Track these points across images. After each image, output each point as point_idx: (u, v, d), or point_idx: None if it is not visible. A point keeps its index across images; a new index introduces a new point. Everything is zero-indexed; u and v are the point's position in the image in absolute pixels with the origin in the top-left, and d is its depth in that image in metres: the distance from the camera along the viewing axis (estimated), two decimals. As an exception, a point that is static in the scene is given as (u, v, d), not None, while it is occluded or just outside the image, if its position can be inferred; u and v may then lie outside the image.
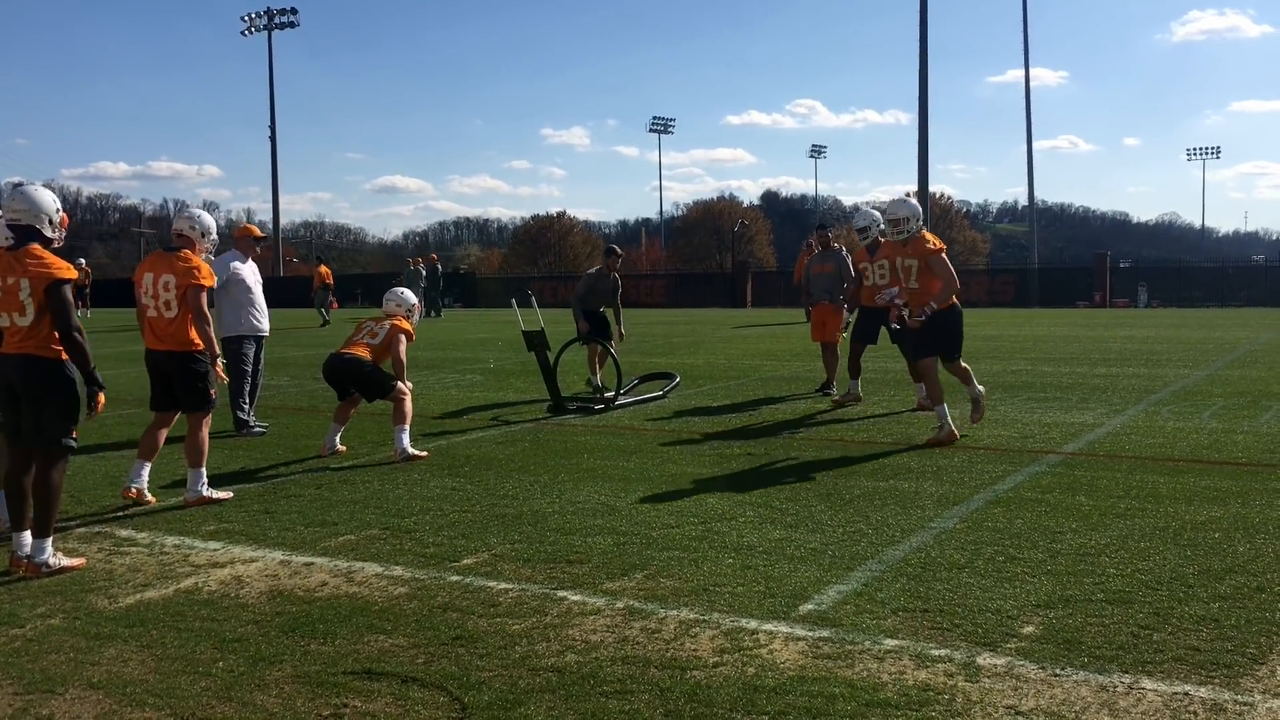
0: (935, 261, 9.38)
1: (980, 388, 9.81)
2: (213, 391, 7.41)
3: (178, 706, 3.93)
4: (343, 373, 8.94)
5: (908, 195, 12.46)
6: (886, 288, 9.95)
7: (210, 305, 7.87)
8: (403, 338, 9.12)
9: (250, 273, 10.54)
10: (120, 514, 7.06)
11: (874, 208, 12.48)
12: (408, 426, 8.79)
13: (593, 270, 13.74)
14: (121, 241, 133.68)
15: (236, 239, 10.81)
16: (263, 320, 10.60)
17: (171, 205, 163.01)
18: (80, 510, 7.19)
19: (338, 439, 9.13)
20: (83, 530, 6.65)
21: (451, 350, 21.01)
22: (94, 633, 4.74)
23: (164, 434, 7.51)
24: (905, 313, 9.31)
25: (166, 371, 7.34)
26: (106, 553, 6.10)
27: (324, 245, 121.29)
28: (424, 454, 8.79)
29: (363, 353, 8.91)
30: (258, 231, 10.86)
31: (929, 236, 9.54)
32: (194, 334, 7.28)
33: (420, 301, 35.38)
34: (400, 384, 8.92)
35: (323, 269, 34.85)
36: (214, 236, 7.75)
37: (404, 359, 9.13)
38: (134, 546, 6.22)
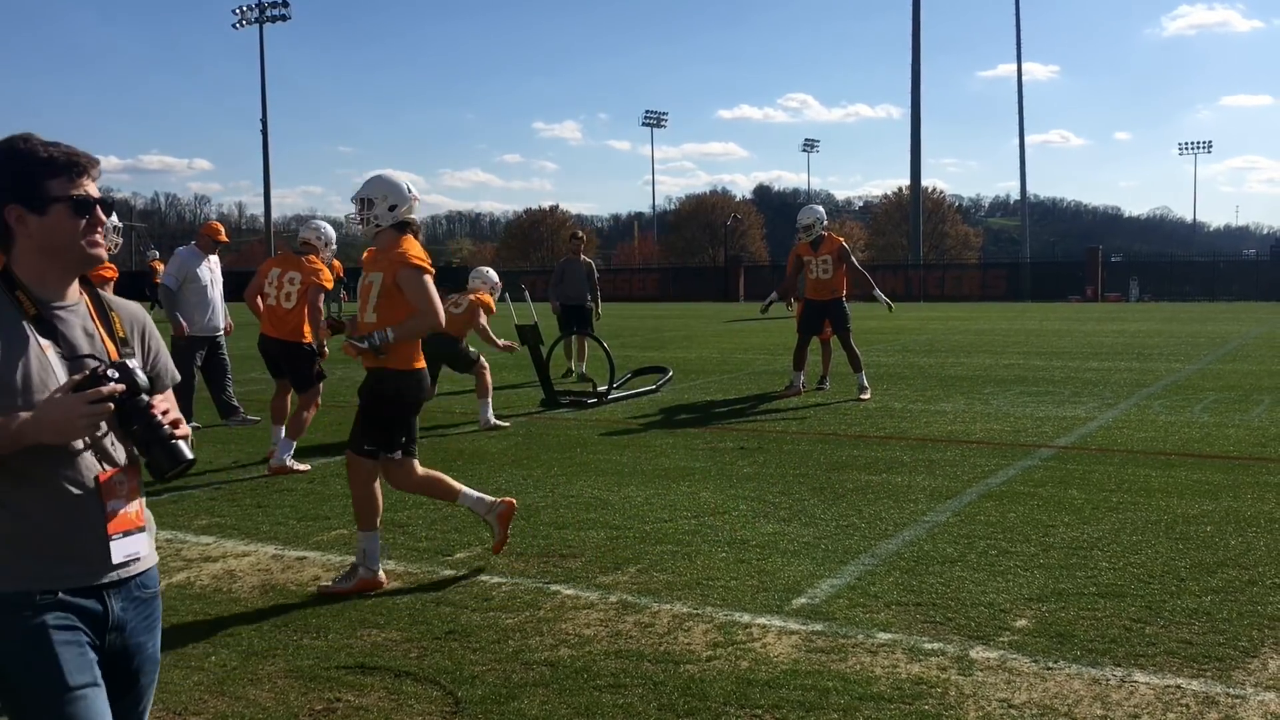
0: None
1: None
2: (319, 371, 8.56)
3: (170, 701, 3.92)
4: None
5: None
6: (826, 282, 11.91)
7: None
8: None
9: (207, 272, 10.34)
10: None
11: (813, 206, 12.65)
12: (489, 398, 10.08)
13: (562, 260, 14.47)
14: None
15: (200, 236, 10.66)
16: (217, 319, 10.40)
17: (163, 199, 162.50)
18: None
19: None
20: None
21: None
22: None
23: (288, 398, 8.72)
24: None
25: (275, 356, 8.52)
26: (98, 547, 6.07)
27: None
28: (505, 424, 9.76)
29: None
30: (223, 235, 10.73)
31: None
32: (306, 328, 8.40)
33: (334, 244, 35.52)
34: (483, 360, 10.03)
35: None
36: (334, 246, 8.95)
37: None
38: (126, 541, 6.19)
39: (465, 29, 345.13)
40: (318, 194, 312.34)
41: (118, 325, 2.30)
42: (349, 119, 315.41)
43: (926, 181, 70.76)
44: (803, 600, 4.89)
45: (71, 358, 2.18)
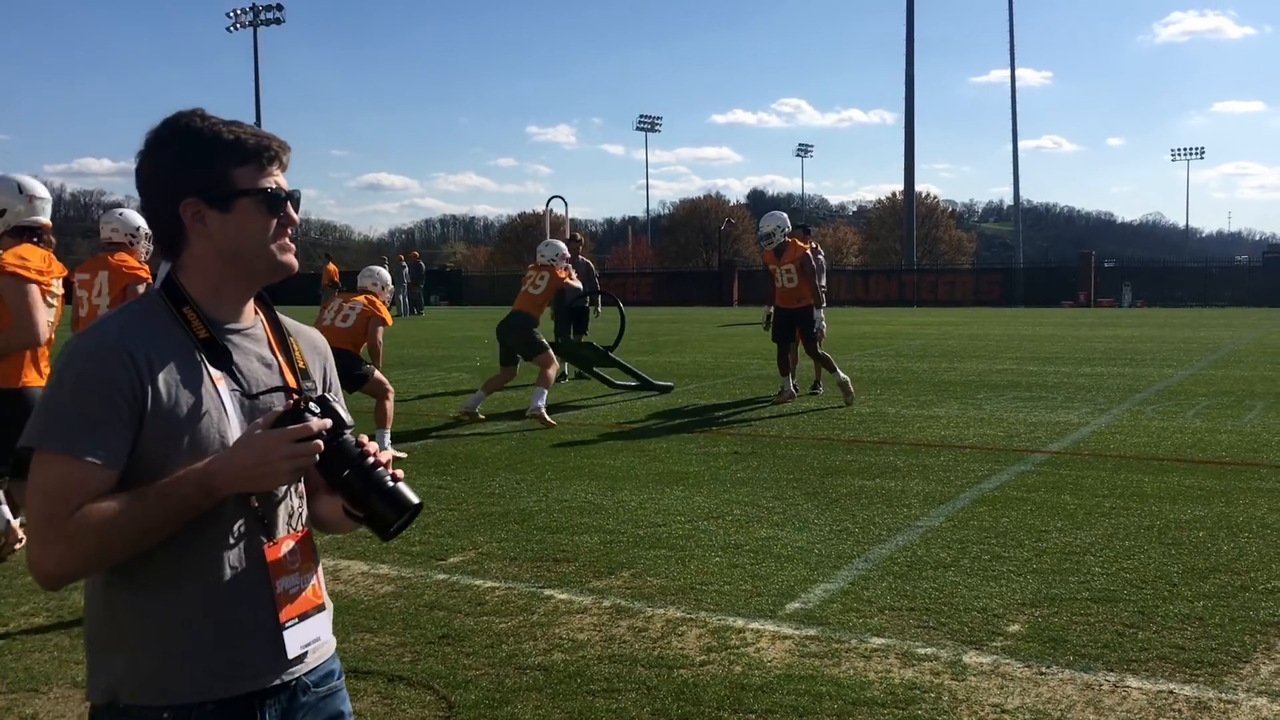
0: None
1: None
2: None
3: (163, 705, 3.91)
4: None
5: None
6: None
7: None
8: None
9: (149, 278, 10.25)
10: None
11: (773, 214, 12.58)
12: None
13: None
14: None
15: None
16: None
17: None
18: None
19: None
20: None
21: (437, 348, 20.97)
22: (78, 631, 4.71)
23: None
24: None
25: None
26: (90, 551, 6.04)
27: (309, 242, 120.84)
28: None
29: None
30: None
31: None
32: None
33: (404, 298, 35.53)
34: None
35: (330, 266, 34.83)
36: (390, 288, 9.54)
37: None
38: (118, 544, 6.17)
39: (458, 33, 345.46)
40: (312, 196, 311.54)
41: (298, 354, 1.89)
42: (343, 122, 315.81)
43: (920, 186, 70.98)
44: (796, 605, 4.90)
45: (249, 395, 1.75)
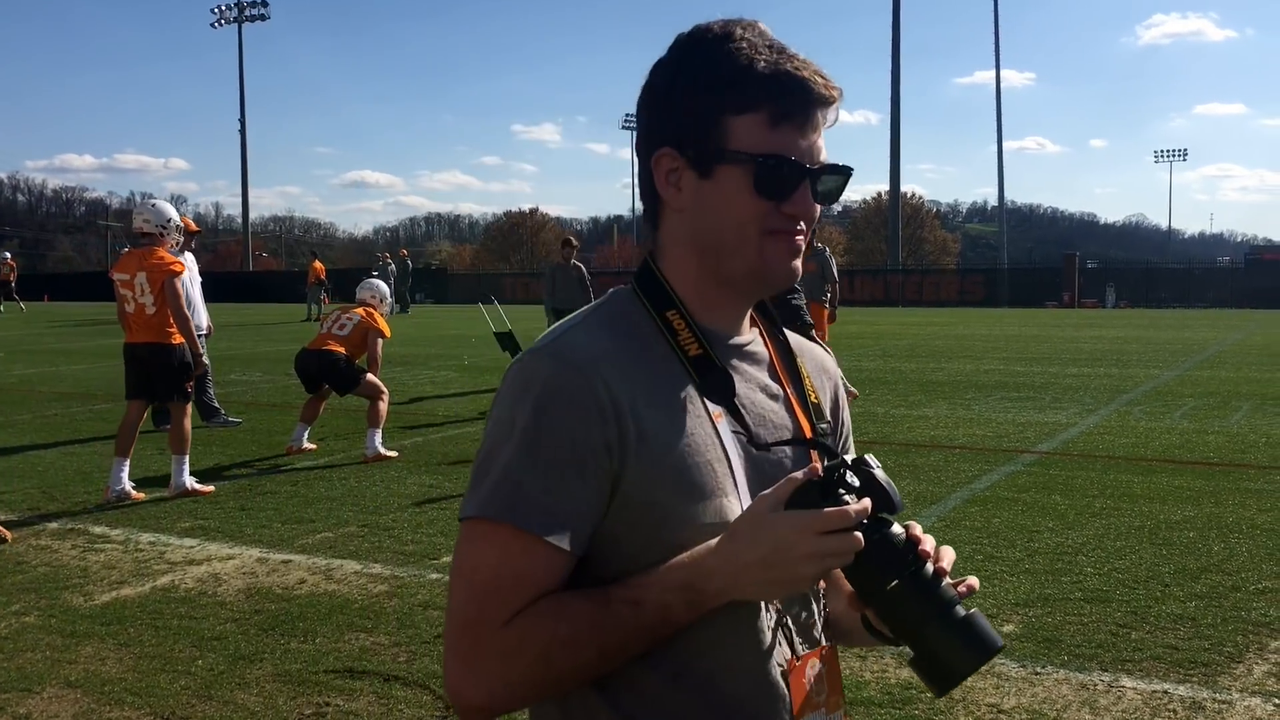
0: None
1: None
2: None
3: (157, 705, 3.89)
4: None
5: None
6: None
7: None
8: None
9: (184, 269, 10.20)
10: (94, 510, 6.98)
11: None
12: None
13: (551, 266, 14.11)
14: (88, 235, 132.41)
15: None
16: (199, 318, 10.20)
17: (138, 198, 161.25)
18: (54, 507, 7.10)
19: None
20: (56, 526, 6.57)
21: (424, 346, 20.92)
22: (70, 630, 4.69)
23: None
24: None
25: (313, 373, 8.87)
26: (81, 549, 6.02)
27: (294, 240, 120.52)
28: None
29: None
30: (192, 225, 10.63)
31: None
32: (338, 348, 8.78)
33: (390, 297, 35.44)
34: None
35: (316, 264, 34.72)
36: (389, 300, 9.58)
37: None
38: (108, 543, 6.15)
39: (443, 31, 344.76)
40: (295, 194, 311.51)
41: (809, 384, 1.36)
42: (327, 119, 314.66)
43: (905, 187, 71.16)
44: (791, 605, 4.89)
45: (759, 446, 1.24)
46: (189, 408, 7.52)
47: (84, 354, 19.11)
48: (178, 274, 7.34)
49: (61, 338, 24.76)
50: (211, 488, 7.52)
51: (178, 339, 7.35)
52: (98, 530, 6.46)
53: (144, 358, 7.33)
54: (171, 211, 7.74)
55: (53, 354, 19.43)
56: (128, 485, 7.22)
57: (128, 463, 7.26)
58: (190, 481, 7.41)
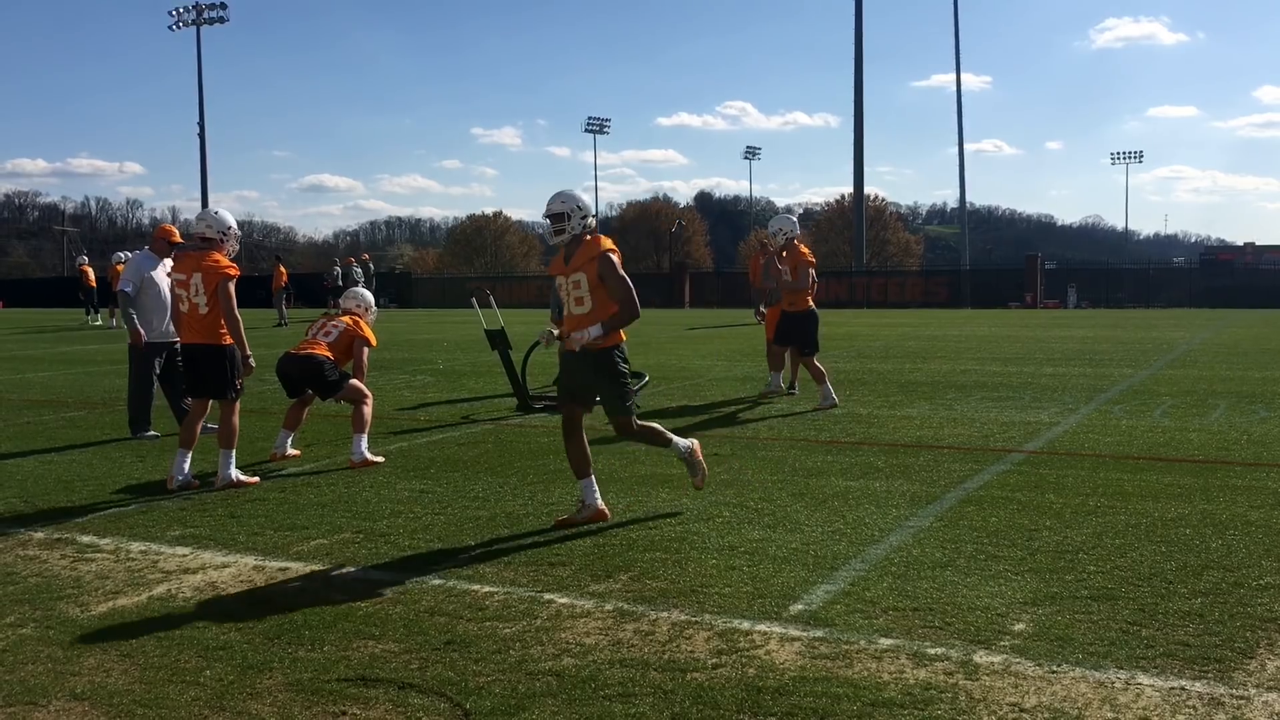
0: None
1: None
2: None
3: (169, 716, 3.81)
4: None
5: (786, 211, 14.06)
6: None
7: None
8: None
9: (163, 276, 10.13)
10: (79, 518, 6.84)
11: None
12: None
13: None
14: (42, 240, 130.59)
15: (154, 239, 10.56)
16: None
17: (93, 203, 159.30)
18: (38, 517, 6.96)
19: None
20: (42, 536, 6.43)
21: (397, 351, 20.78)
22: (69, 642, 4.58)
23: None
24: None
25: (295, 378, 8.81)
26: (70, 559, 5.90)
27: (253, 245, 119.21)
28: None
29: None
30: (177, 237, 10.53)
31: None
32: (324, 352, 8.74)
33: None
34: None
35: (280, 269, 34.34)
36: (374, 310, 9.47)
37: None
38: (98, 553, 6.03)
39: (400, 34, 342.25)
40: (253, 199, 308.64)
41: None
42: (283, 122, 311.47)
43: (866, 189, 71.43)
44: (800, 606, 4.88)
45: None
46: (238, 405, 7.97)
47: (48, 361, 18.79)
48: (232, 277, 7.78)
49: (23, 344, 24.35)
50: (257, 479, 7.90)
51: (228, 340, 7.80)
52: (85, 539, 6.33)
53: (197, 358, 7.81)
54: (231, 220, 8.12)
55: (16, 361, 19.09)
56: (235, 473, 7.79)
57: (189, 454, 7.81)
58: (237, 474, 7.79)
